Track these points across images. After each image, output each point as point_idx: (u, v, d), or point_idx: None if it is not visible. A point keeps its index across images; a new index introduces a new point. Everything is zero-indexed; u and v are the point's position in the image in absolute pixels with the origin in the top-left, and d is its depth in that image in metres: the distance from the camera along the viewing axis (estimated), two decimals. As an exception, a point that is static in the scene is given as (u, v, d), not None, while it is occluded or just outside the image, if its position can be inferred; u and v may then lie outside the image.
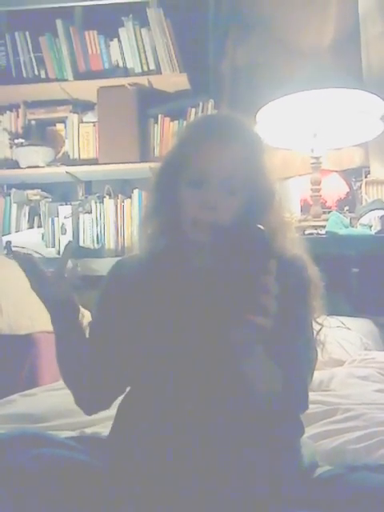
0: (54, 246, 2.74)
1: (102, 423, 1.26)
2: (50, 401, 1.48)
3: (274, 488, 0.83)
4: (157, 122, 2.73)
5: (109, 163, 2.69)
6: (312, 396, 0.91)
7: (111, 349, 0.93)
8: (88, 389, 0.94)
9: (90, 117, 2.83)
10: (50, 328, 0.95)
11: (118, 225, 2.73)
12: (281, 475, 0.85)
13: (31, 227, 2.83)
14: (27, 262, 0.90)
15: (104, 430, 1.22)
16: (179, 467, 0.82)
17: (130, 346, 0.91)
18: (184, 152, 0.91)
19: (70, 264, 0.93)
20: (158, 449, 0.85)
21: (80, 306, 0.93)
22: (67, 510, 0.82)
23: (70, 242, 1.02)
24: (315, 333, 0.92)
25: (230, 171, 0.88)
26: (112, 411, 0.98)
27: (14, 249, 1.99)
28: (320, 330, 0.93)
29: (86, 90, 2.75)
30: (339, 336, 1.95)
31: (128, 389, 0.96)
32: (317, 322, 0.93)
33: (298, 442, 0.92)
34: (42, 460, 0.85)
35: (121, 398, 0.97)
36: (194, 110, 2.69)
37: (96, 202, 2.75)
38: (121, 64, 2.73)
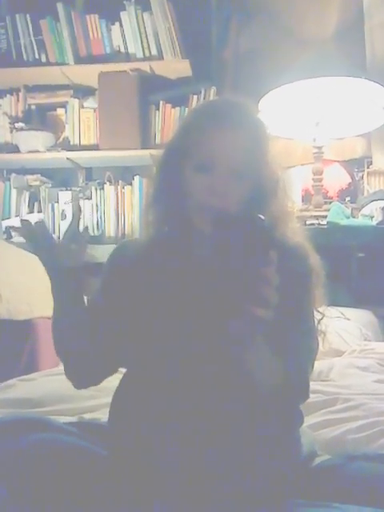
0: (53, 232, 2.73)
1: (101, 409, 1.27)
2: (49, 386, 1.48)
3: (273, 476, 0.83)
4: (158, 109, 2.71)
5: (109, 149, 2.67)
6: (311, 385, 0.91)
7: (108, 328, 0.92)
8: (81, 361, 0.93)
9: (91, 102, 2.81)
10: (49, 313, 0.94)
11: (118, 212, 2.72)
12: (279, 464, 0.85)
13: (31, 212, 2.82)
14: (38, 227, 0.88)
15: (103, 415, 1.22)
16: (177, 453, 0.82)
17: (127, 329, 0.91)
18: (191, 137, 0.90)
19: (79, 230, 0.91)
20: (155, 434, 0.84)
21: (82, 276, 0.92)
22: (66, 494, 0.82)
23: (79, 208, 1.00)
24: (316, 322, 0.92)
25: (238, 157, 0.87)
26: (111, 397, 0.98)
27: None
28: (321, 319, 0.93)
29: (87, 74, 2.72)
30: (339, 326, 1.96)
31: (124, 373, 0.96)
32: (318, 312, 0.93)
33: (297, 431, 0.92)
34: (40, 444, 0.85)
35: (118, 383, 0.97)
36: (195, 97, 2.67)
37: (96, 189, 2.74)
38: (122, 49, 2.70)
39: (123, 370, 0.96)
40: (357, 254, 2.34)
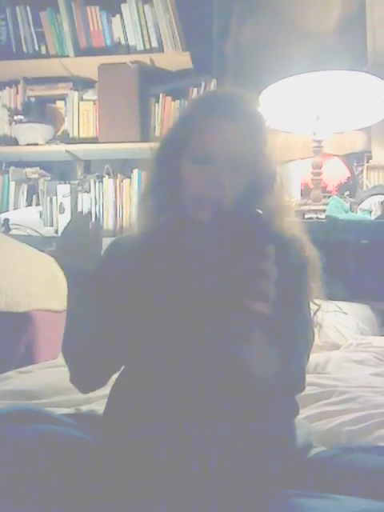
0: (52, 225, 2.73)
1: (98, 401, 1.27)
2: (47, 378, 1.49)
3: (268, 467, 0.83)
4: (158, 102, 2.70)
5: (109, 142, 2.67)
6: (308, 378, 0.91)
7: (108, 325, 0.92)
8: (87, 363, 0.93)
9: (91, 94, 2.80)
10: (47, 306, 0.94)
11: (116, 205, 2.71)
12: (275, 455, 0.85)
13: (29, 205, 2.82)
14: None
15: (100, 407, 1.22)
16: (172, 443, 0.82)
17: (125, 324, 0.91)
18: (189, 127, 0.89)
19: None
20: (151, 425, 0.85)
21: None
22: (62, 485, 0.82)
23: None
24: (312, 314, 0.92)
25: (237, 148, 0.87)
26: (108, 389, 0.98)
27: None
28: (317, 310, 0.93)
29: (87, 66, 2.71)
30: (336, 320, 1.96)
31: (122, 367, 0.96)
32: (314, 303, 0.93)
33: (292, 421, 0.93)
34: (37, 436, 0.85)
35: (114, 376, 0.97)
36: (196, 89, 2.66)
37: (95, 182, 2.73)
38: (123, 41, 2.69)
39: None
40: (360, 242, 2.33)
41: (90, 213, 0.84)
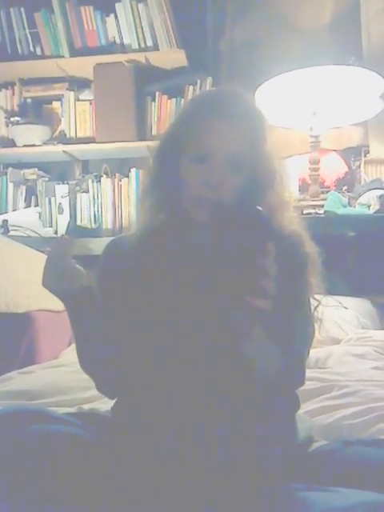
0: (51, 226, 2.73)
1: (100, 399, 1.27)
2: (48, 378, 1.49)
3: (270, 462, 0.84)
4: (154, 100, 2.70)
5: (106, 142, 2.66)
6: (309, 373, 0.92)
7: (112, 327, 0.92)
8: (104, 371, 0.94)
9: (87, 94, 2.80)
10: (47, 306, 0.94)
11: (115, 204, 2.71)
12: (276, 449, 0.85)
13: (28, 206, 2.82)
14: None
15: (101, 405, 1.23)
16: (176, 439, 0.83)
17: (127, 325, 0.91)
18: (188, 126, 0.89)
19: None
20: (157, 425, 0.85)
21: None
22: (66, 485, 0.82)
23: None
24: (313, 309, 0.92)
25: (235, 147, 0.87)
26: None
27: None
28: (317, 306, 0.93)
29: (83, 66, 2.71)
30: (336, 315, 1.96)
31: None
32: (314, 299, 0.93)
33: (293, 416, 0.93)
34: (40, 435, 0.85)
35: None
36: (191, 87, 2.66)
37: (93, 181, 2.73)
38: (117, 40, 2.69)
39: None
40: (348, 234, 2.33)
41: (71, 238, 0.84)
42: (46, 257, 0.88)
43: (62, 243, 0.90)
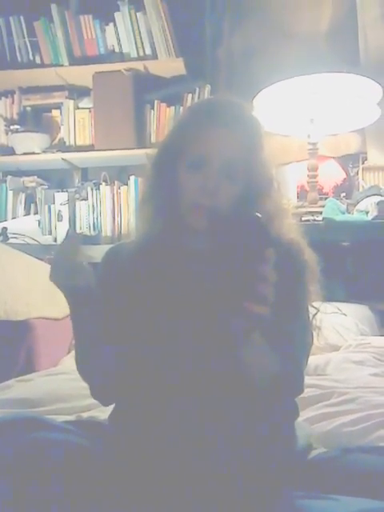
0: (50, 233, 2.73)
1: (99, 407, 1.27)
2: (47, 386, 1.49)
3: (269, 469, 0.84)
4: (153, 108, 2.71)
5: (105, 150, 2.68)
6: (308, 380, 0.92)
7: (111, 331, 0.93)
8: (101, 376, 0.94)
9: (86, 103, 2.81)
10: (46, 314, 0.94)
11: (114, 212, 2.72)
12: (276, 457, 0.85)
13: (27, 214, 2.82)
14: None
15: (100, 414, 1.23)
16: (175, 447, 0.83)
17: (127, 331, 0.91)
18: (185, 135, 0.90)
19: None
20: (154, 429, 0.85)
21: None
22: (65, 493, 0.82)
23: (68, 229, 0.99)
24: (311, 317, 0.93)
25: (231, 155, 0.88)
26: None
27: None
28: (316, 314, 0.94)
29: (82, 75, 2.72)
30: (335, 322, 1.96)
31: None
32: (313, 307, 0.93)
33: (292, 423, 0.93)
34: (39, 443, 0.85)
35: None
36: (190, 95, 2.67)
37: (92, 189, 2.74)
38: (116, 49, 2.70)
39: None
40: (341, 243, 2.34)
41: (81, 233, 0.85)
42: (45, 264, 0.88)
43: (71, 238, 0.90)
